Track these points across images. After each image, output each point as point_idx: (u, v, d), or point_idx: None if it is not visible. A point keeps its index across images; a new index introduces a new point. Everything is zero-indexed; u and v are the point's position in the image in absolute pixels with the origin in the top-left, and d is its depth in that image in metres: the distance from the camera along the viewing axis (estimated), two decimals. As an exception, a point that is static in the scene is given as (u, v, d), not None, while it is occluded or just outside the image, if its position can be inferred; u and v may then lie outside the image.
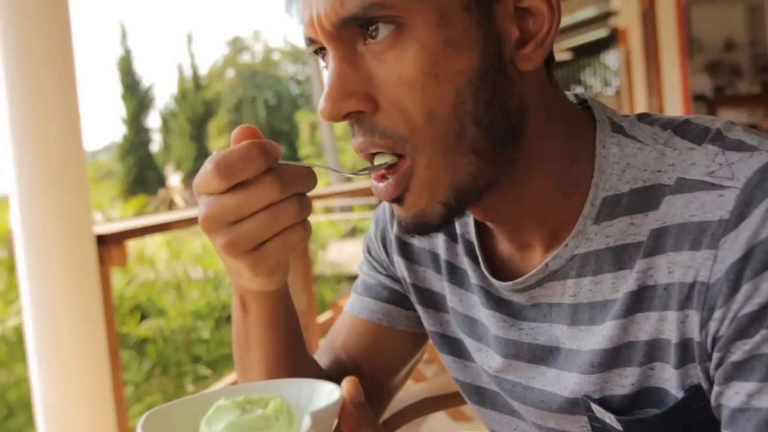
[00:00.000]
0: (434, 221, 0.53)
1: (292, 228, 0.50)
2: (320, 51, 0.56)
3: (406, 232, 0.57)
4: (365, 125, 0.52)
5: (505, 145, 0.53)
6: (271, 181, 0.48)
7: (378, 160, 0.53)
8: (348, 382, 0.47)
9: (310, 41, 0.55)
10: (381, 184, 0.54)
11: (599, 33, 12.11)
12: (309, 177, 0.51)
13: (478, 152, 0.51)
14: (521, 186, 0.55)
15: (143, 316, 5.80)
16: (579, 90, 0.62)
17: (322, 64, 0.56)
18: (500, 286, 0.61)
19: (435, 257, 0.69)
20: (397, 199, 0.53)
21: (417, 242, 0.71)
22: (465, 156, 0.51)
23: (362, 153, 0.54)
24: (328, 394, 0.48)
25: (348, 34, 0.51)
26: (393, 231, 0.73)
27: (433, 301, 0.70)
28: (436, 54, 0.49)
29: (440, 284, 0.69)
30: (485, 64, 0.51)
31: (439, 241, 0.69)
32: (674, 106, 5.53)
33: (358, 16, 0.49)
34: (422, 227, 0.54)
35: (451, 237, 0.68)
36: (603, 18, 10.68)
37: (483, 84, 0.51)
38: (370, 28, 0.50)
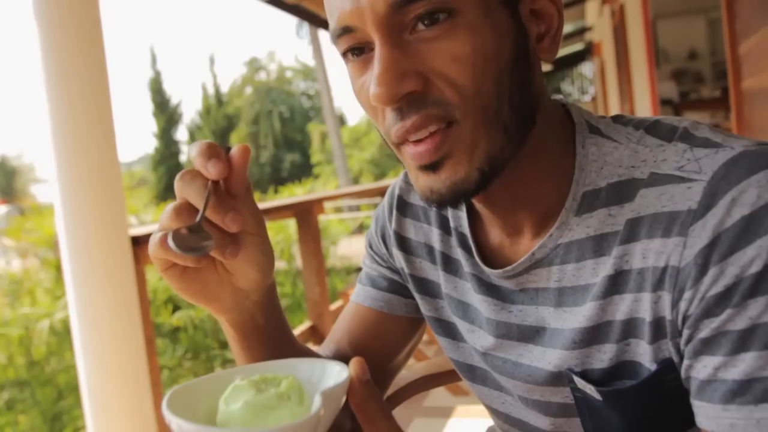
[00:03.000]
0: (470, 188, 0.51)
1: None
2: (351, 48, 0.52)
3: (436, 203, 0.52)
4: (417, 103, 0.49)
5: (526, 126, 0.53)
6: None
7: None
8: (355, 362, 0.47)
9: (344, 31, 0.50)
10: (421, 146, 0.50)
11: (576, 46, 12.10)
12: (194, 191, 0.50)
13: (507, 129, 0.51)
14: (522, 170, 0.55)
15: (175, 308, 5.82)
16: (558, 97, 0.61)
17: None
18: (491, 273, 0.61)
19: (430, 249, 0.69)
20: (434, 165, 0.50)
21: (413, 236, 0.71)
22: (498, 131, 0.50)
23: (411, 134, 0.50)
24: (337, 373, 0.48)
25: (398, 20, 0.48)
26: (391, 227, 0.72)
27: (428, 289, 0.70)
28: (485, 37, 0.48)
29: (435, 273, 0.69)
30: (517, 51, 0.51)
31: (434, 234, 0.68)
32: (644, 110, 5.52)
33: None
34: (458, 194, 0.51)
35: (445, 230, 0.67)
36: (579, 33, 10.66)
37: (516, 68, 0.50)
38: (426, 19, 0.47)
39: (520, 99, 0.51)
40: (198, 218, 0.49)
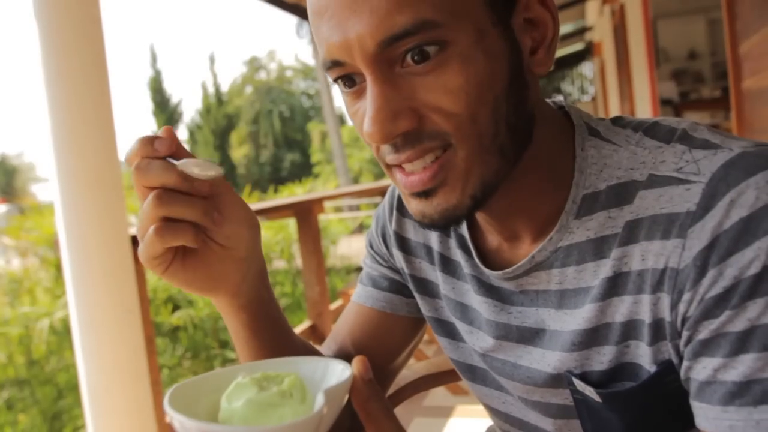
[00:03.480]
0: (462, 214, 0.51)
1: (162, 225, 0.50)
2: (343, 77, 0.51)
3: (428, 227, 0.52)
4: (412, 139, 0.48)
5: (523, 145, 0.52)
6: (132, 175, 0.50)
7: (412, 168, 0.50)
8: (358, 361, 0.47)
9: (334, 64, 0.49)
10: (415, 177, 0.50)
11: (576, 46, 12.10)
12: (169, 172, 0.49)
13: (504, 151, 0.50)
14: (519, 182, 0.55)
15: (175, 307, 5.82)
16: (558, 98, 0.61)
17: (337, 88, 0.52)
18: (491, 275, 0.61)
19: (429, 250, 0.69)
20: (428, 192, 0.50)
21: (413, 236, 0.71)
22: (494, 155, 0.50)
23: (406, 163, 0.50)
24: (340, 372, 0.47)
25: (388, 56, 0.47)
26: (392, 227, 0.72)
27: (428, 289, 0.70)
28: (478, 65, 0.47)
29: (434, 274, 0.69)
30: (512, 72, 0.50)
31: (433, 235, 0.68)
32: (644, 110, 5.52)
33: (409, 32, 0.45)
34: (449, 220, 0.51)
35: (444, 232, 0.67)
36: (580, 33, 10.65)
37: (512, 90, 0.50)
38: (416, 56, 0.46)
39: (517, 119, 0.51)
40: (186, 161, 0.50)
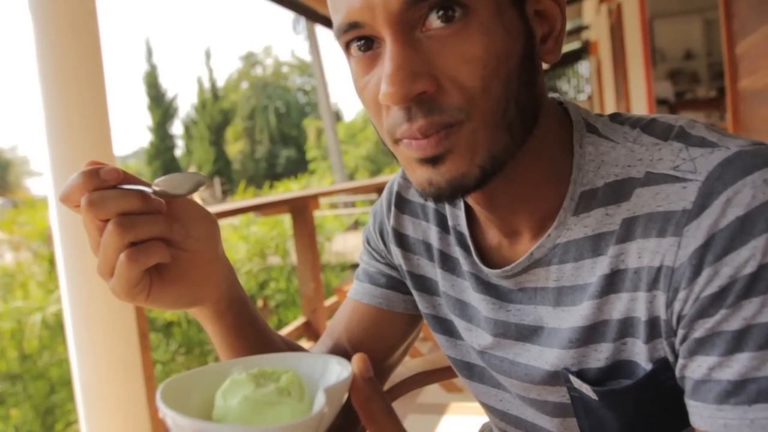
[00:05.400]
0: (470, 184, 0.50)
1: (130, 250, 0.48)
2: (359, 39, 0.50)
3: (434, 196, 0.50)
4: (426, 106, 0.47)
5: (530, 126, 0.52)
6: (85, 210, 0.47)
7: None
8: (358, 358, 0.46)
9: (351, 27, 0.49)
10: (423, 141, 0.48)
11: (573, 45, 12.11)
12: (127, 197, 0.48)
13: (512, 129, 0.50)
14: (520, 176, 0.54)
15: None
16: (555, 95, 0.61)
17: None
18: (490, 273, 0.61)
19: (428, 246, 0.69)
20: (436, 159, 0.49)
21: (411, 233, 0.70)
22: (503, 131, 0.50)
23: (420, 135, 0.49)
24: (339, 369, 0.46)
25: (410, 17, 0.46)
26: (390, 223, 0.72)
27: (426, 286, 0.70)
28: (496, 37, 0.47)
29: (433, 271, 0.68)
30: (525, 52, 0.50)
31: (432, 232, 0.68)
32: (640, 110, 5.53)
33: None
34: (457, 189, 0.49)
35: (444, 228, 0.67)
36: (576, 32, 10.67)
37: (524, 69, 0.50)
38: (440, 12, 0.46)
39: (527, 99, 0.51)
40: (152, 189, 0.49)
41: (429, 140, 0.48)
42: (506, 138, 0.50)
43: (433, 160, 0.49)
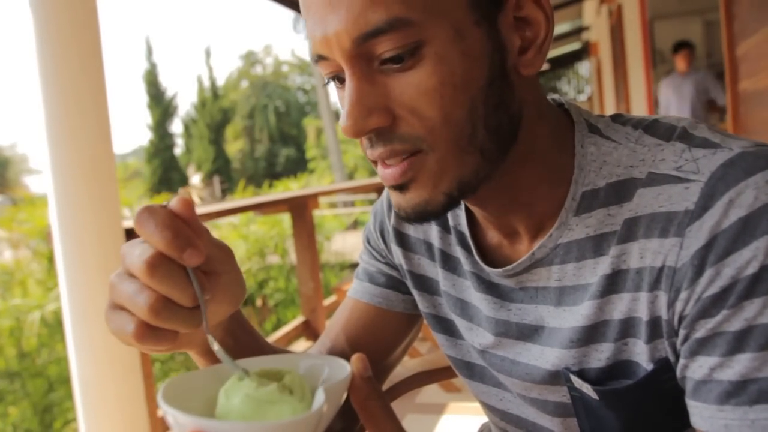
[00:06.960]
0: (435, 210, 0.51)
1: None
2: (333, 76, 0.51)
3: (404, 220, 0.53)
4: (384, 136, 0.49)
5: (506, 145, 0.52)
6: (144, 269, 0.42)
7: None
8: (356, 358, 0.46)
9: (320, 58, 0.50)
10: (388, 170, 0.50)
11: (573, 46, 12.11)
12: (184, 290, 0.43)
13: (484, 152, 0.50)
14: (513, 179, 0.54)
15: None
16: (555, 96, 0.61)
17: (326, 79, 0.53)
18: (491, 272, 0.61)
19: (429, 246, 0.69)
20: (401, 186, 0.51)
21: (412, 233, 0.70)
22: (472, 155, 0.50)
23: (380, 161, 0.51)
24: (339, 369, 0.47)
25: (364, 52, 0.47)
26: (390, 223, 0.72)
27: (427, 286, 0.70)
28: (453, 66, 0.47)
29: (434, 270, 0.68)
30: (493, 72, 0.49)
31: (433, 232, 0.68)
32: (640, 111, 5.53)
33: (382, 29, 0.45)
34: (422, 215, 0.52)
35: (444, 228, 0.67)
36: (576, 32, 10.67)
37: (491, 91, 0.49)
38: (388, 56, 0.46)
39: (498, 121, 0.50)
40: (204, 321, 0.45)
41: (393, 170, 0.50)
42: (476, 161, 0.50)
43: (399, 188, 0.51)
